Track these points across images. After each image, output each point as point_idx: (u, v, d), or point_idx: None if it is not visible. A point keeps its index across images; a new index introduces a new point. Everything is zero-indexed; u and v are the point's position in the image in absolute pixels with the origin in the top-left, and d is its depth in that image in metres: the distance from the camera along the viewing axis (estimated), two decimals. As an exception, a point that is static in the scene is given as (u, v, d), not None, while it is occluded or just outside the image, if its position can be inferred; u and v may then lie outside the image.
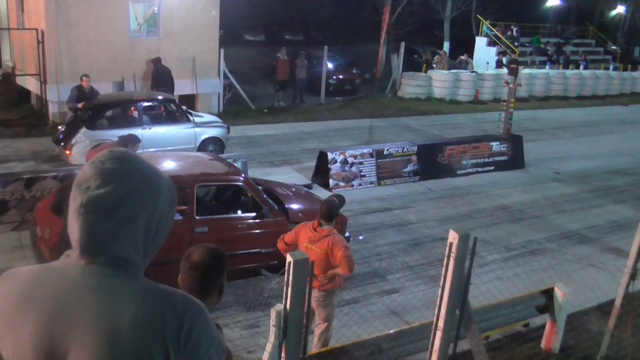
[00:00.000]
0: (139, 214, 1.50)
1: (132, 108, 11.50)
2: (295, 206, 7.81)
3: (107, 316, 1.41)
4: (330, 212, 5.24)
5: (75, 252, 1.49)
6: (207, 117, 12.82)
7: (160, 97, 12.28)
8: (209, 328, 1.50)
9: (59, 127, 11.70)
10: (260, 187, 7.65)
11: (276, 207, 7.48)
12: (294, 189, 8.82)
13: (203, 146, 11.74)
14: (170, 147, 10.85)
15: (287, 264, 3.56)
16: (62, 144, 11.05)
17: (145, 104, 11.78)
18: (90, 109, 11.32)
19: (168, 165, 7.57)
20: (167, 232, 1.60)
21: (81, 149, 10.64)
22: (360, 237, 8.82)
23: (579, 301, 6.65)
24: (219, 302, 2.62)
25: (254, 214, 7.26)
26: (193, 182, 6.85)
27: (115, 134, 10.71)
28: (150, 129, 11.12)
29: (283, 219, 7.32)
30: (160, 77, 14.71)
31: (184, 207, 6.83)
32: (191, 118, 11.87)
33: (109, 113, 11.48)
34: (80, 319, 1.41)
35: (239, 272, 7.02)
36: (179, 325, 1.43)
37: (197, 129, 11.73)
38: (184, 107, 12.35)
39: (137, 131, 10.82)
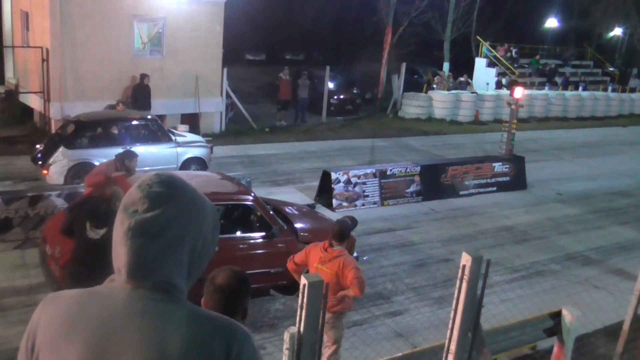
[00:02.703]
0: (185, 238, 1.49)
1: (113, 127, 11.24)
2: (304, 226, 7.81)
3: (155, 342, 1.40)
4: (343, 233, 5.24)
5: (121, 277, 1.48)
6: (190, 137, 12.66)
7: (141, 117, 11.97)
8: (255, 355, 1.51)
9: (37, 146, 11.48)
10: (269, 207, 7.65)
11: (285, 227, 7.48)
12: (304, 209, 8.84)
13: (185, 166, 11.54)
14: (151, 167, 10.58)
15: (301, 286, 3.55)
16: (40, 162, 10.85)
17: (126, 123, 11.51)
18: (69, 128, 11.12)
19: None
20: (210, 257, 1.59)
21: (59, 169, 10.55)
22: (365, 258, 8.80)
23: (583, 323, 6.62)
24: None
25: (263, 234, 7.26)
26: None
27: (94, 154, 10.72)
28: (130, 148, 10.97)
29: (293, 239, 7.32)
30: (140, 94, 14.54)
31: None
32: (173, 138, 11.68)
33: (89, 132, 11.22)
34: (128, 345, 1.40)
35: None
36: (227, 351, 1.44)
37: (179, 149, 11.56)
38: (166, 127, 12.25)
39: (117, 151, 10.82)
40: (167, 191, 1.48)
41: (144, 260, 1.45)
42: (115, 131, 11.21)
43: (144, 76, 14.48)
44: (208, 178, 8.33)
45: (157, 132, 11.56)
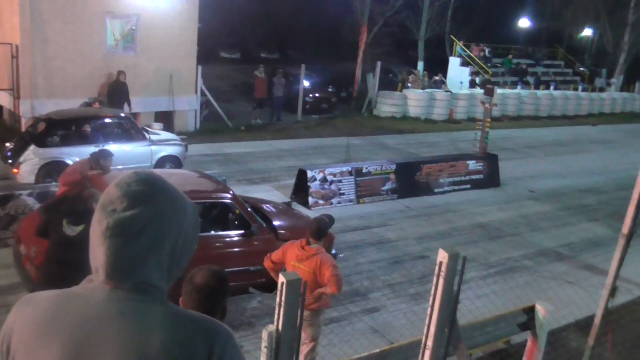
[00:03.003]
0: (165, 237, 1.45)
1: (85, 125, 11.02)
2: (282, 223, 7.81)
3: (135, 344, 1.37)
4: (320, 231, 5.25)
5: (99, 277, 1.44)
6: (164, 135, 12.53)
7: (114, 115, 11.83)
8: (237, 352, 1.49)
9: (7, 144, 11.27)
10: (247, 205, 7.63)
11: (264, 225, 7.47)
12: (281, 207, 8.83)
13: (160, 164, 11.41)
14: (125, 165, 10.38)
15: (279, 284, 3.55)
16: (10, 161, 10.66)
17: (99, 121, 11.32)
18: (40, 126, 10.93)
19: None
20: (190, 255, 1.56)
21: (30, 167, 10.37)
22: (341, 255, 8.82)
23: (556, 318, 6.74)
24: None
25: (242, 232, 7.24)
26: None
27: (66, 152, 10.55)
28: (103, 146, 10.80)
29: (271, 237, 7.32)
30: (117, 92, 14.39)
31: None
32: (147, 136, 11.53)
33: (61, 130, 11.01)
34: (107, 348, 1.36)
35: None
36: (209, 351, 1.42)
37: (153, 147, 11.44)
38: (140, 125, 12.12)
39: (90, 149, 10.61)
40: (146, 189, 1.44)
41: (123, 260, 1.41)
42: (87, 129, 11.00)
43: (119, 73, 14.33)
44: (186, 176, 8.28)
45: (131, 130, 11.41)
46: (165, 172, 8.46)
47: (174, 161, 11.77)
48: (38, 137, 10.73)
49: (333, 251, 7.79)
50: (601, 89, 30.94)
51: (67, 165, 10.53)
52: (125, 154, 10.95)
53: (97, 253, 1.43)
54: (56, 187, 8.96)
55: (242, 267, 7.14)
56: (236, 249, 7.25)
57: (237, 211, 7.30)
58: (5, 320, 1.48)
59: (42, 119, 11.19)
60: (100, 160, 7.76)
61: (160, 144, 11.67)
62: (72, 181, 7.56)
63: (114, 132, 11.40)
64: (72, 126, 11.12)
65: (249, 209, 7.48)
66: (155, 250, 1.44)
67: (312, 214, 9.27)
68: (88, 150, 10.61)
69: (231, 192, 7.55)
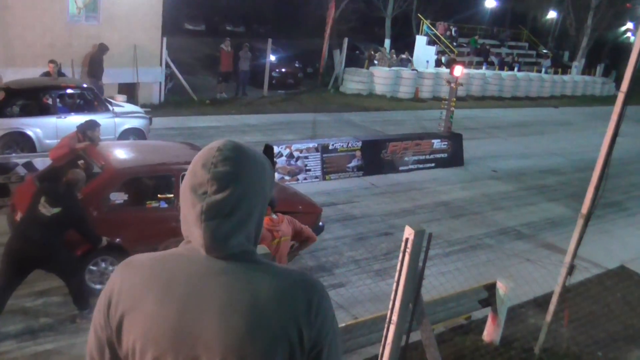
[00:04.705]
0: (254, 211, 1.57)
1: (46, 95, 10.72)
2: (276, 195, 7.81)
3: (245, 295, 1.48)
4: (272, 202, 5.36)
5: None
6: (128, 107, 12.21)
7: (76, 85, 11.48)
8: (330, 304, 1.60)
9: None
10: None
11: None
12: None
13: (123, 137, 11.13)
14: None
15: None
16: None
17: (60, 91, 10.95)
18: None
19: (152, 154, 7.49)
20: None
21: None
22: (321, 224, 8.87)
23: (516, 294, 6.92)
24: None
25: None
26: (178, 171, 6.74)
27: (26, 123, 10.28)
28: (65, 118, 10.45)
29: (267, 208, 7.32)
30: (95, 64, 14.29)
31: (170, 195, 6.78)
32: (110, 108, 11.22)
33: (20, 101, 10.66)
34: (217, 300, 1.47)
35: None
36: (309, 302, 1.52)
37: (116, 119, 11.11)
38: (103, 97, 11.86)
39: (51, 120, 10.39)
40: (233, 170, 1.53)
41: (219, 238, 1.51)
42: (48, 100, 10.68)
43: (100, 45, 14.43)
44: (180, 148, 8.25)
45: (94, 102, 11.08)
46: (159, 144, 8.57)
47: (138, 134, 11.53)
48: None
49: (320, 224, 8.05)
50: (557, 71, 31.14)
51: (27, 136, 10.28)
52: None
53: (194, 232, 1.54)
54: (17, 159, 8.77)
55: None
56: None
57: None
58: (108, 283, 1.59)
59: (0, 89, 10.84)
60: (87, 132, 7.64)
61: (123, 116, 11.38)
62: (61, 155, 7.55)
63: (75, 103, 11.08)
64: (31, 96, 10.77)
65: None
66: (246, 224, 1.56)
67: (278, 189, 9.25)
68: (49, 121, 10.43)
69: None
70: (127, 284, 1.54)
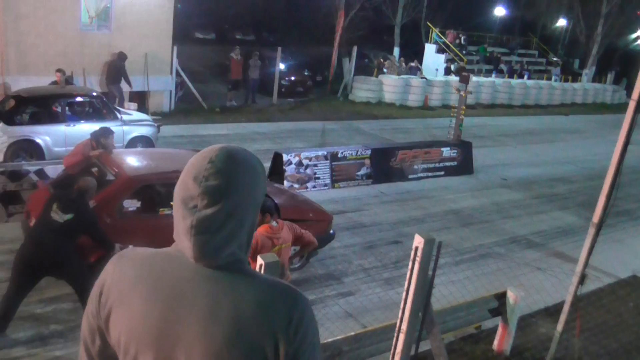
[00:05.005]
0: (245, 221, 1.56)
1: (55, 103, 10.79)
2: (283, 202, 7.81)
3: (227, 305, 1.48)
4: (271, 208, 5.41)
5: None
6: (137, 115, 12.24)
7: (86, 93, 11.58)
8: (313, 319, 1.58)
9: None
10: None
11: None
12: (275, 185, 8.89)
13: (131, 145, 11.17)
14: None
15: (257, 266, 3.56)
16: None
17: (70, 99, 11.06)
18: (9, 104, 10.64)
19: (164, 162, 7.54)
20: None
21: None
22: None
23: (526, 304, 6.87)
24: None
25: None
26: None
27: (35, 131, 10.35)
28: (74, 126, 10.54)
29: (275, 215, 7.33)
30: (116, 71, 14.56)
31: None
32: (119, 116, 11.28)
33: (30, 108, 10.77)
34: (200, 306, 1.48)
35: None
36: (289, 318, 1.50)
37: (124, 127, 11.15)
38: (112, 105, 11.91)
39: (60, 128, 10.46)
40: (225, 183, 1.51)
41: (208, 252, 1.51)
42: (57, 108, 10.76)
43: (120, 54, 14.72)
44: (189, 156, 8.25)
45: (102, 110, 11.15)
46: (167, 152, 8.62)
47: (146, 142, 11.56)
48: (6, 115, 10.40)
49: (331, 231, 8.07)
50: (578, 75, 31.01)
51: (36, 144, 10.34)
52: None
53: (184, 242, 1.54)
54: (29, 167, 8.83)
55: None
56: None
57: None
58: (102, 274, 1.63)
59: (10, 96, 10.92)
60: (101, 139, 7.69)
61: (132, 124, 11.43)
62: (74, 162, 7.59)
63: (85, 111, 11.18)
64: (41, 104, 10.85)
65: None
66: (237, 235, 1.55)
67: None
68: (58, 128, 10.49)
69: None
70: (118, 278, 1.57)
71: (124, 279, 1.55)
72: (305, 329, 1.52)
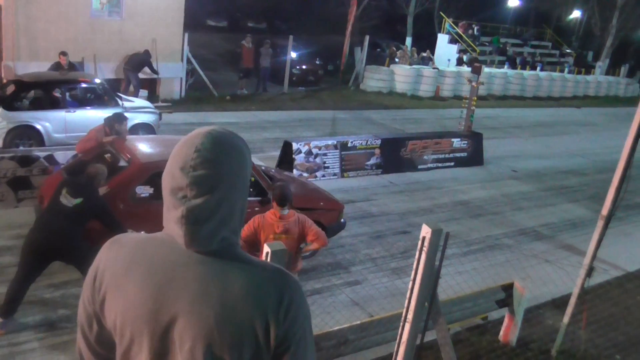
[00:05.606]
0: (236, 205, 1.57)
1: (56, 89, 10.71)
2: (294, 191, 7.82)
3: (217, 287, 1.49)
4: (287, 196, 5.27)
5: None
6: (138, 102, 12.15)
7: (87, 79, 11.51)
8: (304, 302, 1.58)
9: None
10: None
11: None
12: (285, 174, 8.90)
13: (133, 132, 10.85)
14: None
15: (263, 255, 3.57)
16: None
17: (71, 85, 11.00)
18: (9, 89, 10.58)
19: (169, 150, 7.51)
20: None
21: None
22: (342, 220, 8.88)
23: (533, 295, 6.87)
24: None
25: (259, 199, 7.21)
26: None
27: (36, 117, 10.29)
28: (74, 112, 10.50)
29: (288, 204, 7.35)
30: (140, 64, 14.81)
31: None
32: (120, 102, 11.17)
33: (30, 94, 10.68)
34: (190, 289, 1.50)
35: None
36: (280, 298, 1.51)
37: (126, 114, 11.21)
38: (114, 91, 11.88)
39: (60, 114, 10.40)
40: (212, 172, 1.50)
41: (199, 239, 1.52)
42: (58, 93, 10.68)
43: (145, 52, 14.98)
44: None
45: (104, 96, 11.07)
46: (175, 140, 8.46)
47: (147, 129, 11.43)
48: (7, 100, 10.31)
49: (342, 220, 8.07)
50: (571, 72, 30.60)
51: (36, 130, 10.32)
52: (98, 120, 10.54)
53: (175, 230, 1.54)
54: (39, 152, 8.87)
55: None
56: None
57: (254, 178, 7.23)
58: (96, 258, 1.65)
59: (11, 81, 10.88)
60: (115, 126, 7.67)
61: (133, 111, 11.20)
62: (87, 148, 7.57)
63: (86, 97, 11.12)
64: (42, 90, 10.77)
65: (266, 177, 7.47)
66: (229, 221, 1.56)
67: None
68: (59, 115, 10.46)
69: None
70: (111, 263, 1.58)
71: (117, 264, 1.57)
72: (295, 311, 1.53)
